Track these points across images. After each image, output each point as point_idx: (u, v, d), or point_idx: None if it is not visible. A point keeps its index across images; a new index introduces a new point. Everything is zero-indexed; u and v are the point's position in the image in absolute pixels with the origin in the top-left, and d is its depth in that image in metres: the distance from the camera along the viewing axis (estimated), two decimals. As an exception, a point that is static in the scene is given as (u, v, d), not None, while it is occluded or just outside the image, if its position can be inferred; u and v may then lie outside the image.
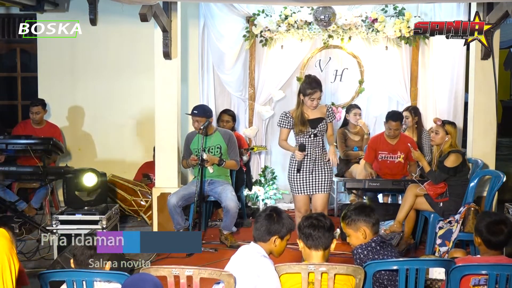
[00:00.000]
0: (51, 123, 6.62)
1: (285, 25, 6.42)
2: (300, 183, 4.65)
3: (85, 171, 5.01)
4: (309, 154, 4.63)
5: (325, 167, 4.68)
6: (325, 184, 4.66)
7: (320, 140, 4.67)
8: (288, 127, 4.69)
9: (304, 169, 4.64)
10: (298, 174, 4.64)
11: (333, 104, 6.65)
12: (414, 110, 6.22)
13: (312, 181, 4.64)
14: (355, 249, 3.18)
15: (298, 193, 4.67)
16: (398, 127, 5.66)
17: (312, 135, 4.62)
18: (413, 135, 6.12)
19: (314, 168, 4.64)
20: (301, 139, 4.65)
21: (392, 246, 3.42)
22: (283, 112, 4.82)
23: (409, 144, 5.46)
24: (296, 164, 4.63)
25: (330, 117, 4.73)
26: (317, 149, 4.65)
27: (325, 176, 4.66)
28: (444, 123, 5.02)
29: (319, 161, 4.66)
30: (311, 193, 4.66)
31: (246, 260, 2.99)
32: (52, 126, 6.57)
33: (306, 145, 4.62)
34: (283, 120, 4.71)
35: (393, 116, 5.68)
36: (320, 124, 4.64)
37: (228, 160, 5.46)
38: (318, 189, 4.65)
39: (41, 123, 6.45)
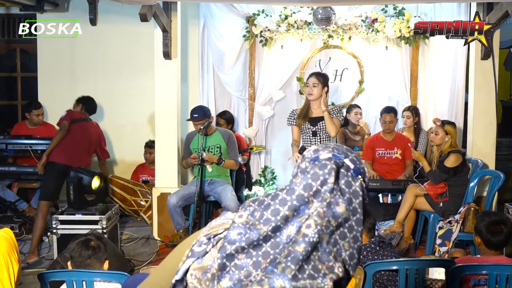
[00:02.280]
0: (46, 122, 6.62)
1: (285, 25, 6.42)
2: None
3: (92, 173, 4.99)
4: None
5: None
6: None
7: (321, 139, 4.60)
8: (294, 123, 4.69)
9: None
10: None
11: (333, 104, 6.65)
12: (415, 110, 6.26)
13: None
14: None
15: None
16: (392, 119, 5.79)
17: (311, 133, 4.58)
18: (411, 135, 6.15)
19: None
20: (303, 136, 4.63)
21: (392, 246, 3.42)
22: (292, 111, 4.87)
23: (409, 144, 5.51)
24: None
25: (333, 114, 4.64)
26: None
27: None
28: (444, 123, 5.02)
29: None
30: None
31: None
32: (48, 126, 6.56)
33: (306, 146, 4.58)
34: (289, 117, 4.74)
35: (386, 109, 5.90)
36: (321, 123, 4.56)
37: (228, 159, 5.46)
38: None
39: (38, 123, 6.45)
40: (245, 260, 1.14)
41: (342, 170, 1.22)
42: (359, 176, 1.23)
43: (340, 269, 1.15)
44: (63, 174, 5.06)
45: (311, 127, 4.58)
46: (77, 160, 5.18)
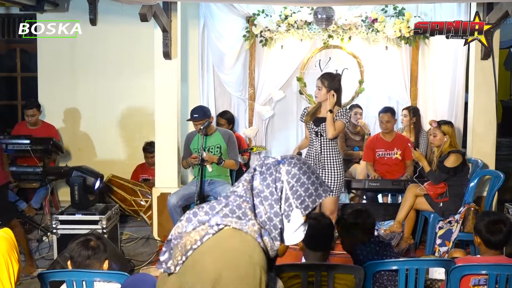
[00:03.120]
0: (47, 123, 6.62)
1: (285, 25, 6.42)
2: None
3: (96, 174, 4.99)
4: (314, 154, 4.57)
5: (333, 170, 4.58)
6: (333, 187, 4.57)
7: (325, 140, 4.57)
8: (303, 120, 4.71)
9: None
10: None
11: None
12: (413, 110, 6.26)
13: None
14: (354, 250, 3.18)
15: None
16: (389, 118, 5.82)
17: (313, 133, 4.58)
18: (410, 135, 6.15)
19: (319, 169, 4.56)
20: (310, 136, 4.63)
21: (391, 246, 3.42)
22: (304, 108, 4.92)
23: (409, 144, 5.51)
24: None
25: (338, 116, 4.56)
26: (320, 149, 4.56)
27: (333, 179, 4.57)
28: (440, 124, 5.00)
29: (323, 163, 4.57)
30: None
31: None
32: (48, 126, 6.56)
33: (313, 144, 4.58)
34: (301, 114, 4.79)
35: (383, 109, 5.97)
36: (323, 124, 4.56)
37: (228, 159, 5.46)
38: None
39: (37, 124, 6.44)
40: (203, 216, 1.67)
41: (269, 162, 1.75)
42: (280, 164, 1.73)
43: (258, 224, 1.66)
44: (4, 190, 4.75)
45: (314, 127, 4.58)
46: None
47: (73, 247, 2.85)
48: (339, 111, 4.58)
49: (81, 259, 2.80)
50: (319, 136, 4.56)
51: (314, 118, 4.61)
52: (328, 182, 4.56)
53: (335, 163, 4.58)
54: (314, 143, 4.58)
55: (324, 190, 1.75)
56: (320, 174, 4.54)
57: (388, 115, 5.82)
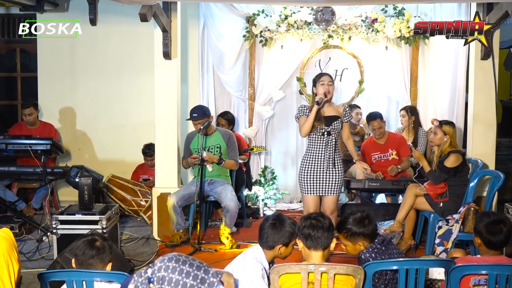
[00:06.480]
0: (45, 122, 6.61)
1: (285, 25, 6.43)
2: (309, 183, 4.60)
3: (98, 174, 5.01)
4: (322, 154, 4.57)
5: (337, 168, 4.59)
6: (335, 186, 4.58)
7: (333, 139, 4.58)
8: (307, 114, 4.61)
9: (316, 168, 4.58)
10: (308, 174, 4.60)
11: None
12: (411, 110, 6.26)
13: (323, 182, 4.57)
14: (362, 254, 3.18)
15: (307, 193, 4.62)
16: (380, 124, 5.82)
17: (325, 133, 4.56)
18: (409, 135, 6.15)
19: (326, 168, 4.56)
20: (313, 135, 4.59)
21: (393, 243, 3.42)
22: (300, 105, 4.87)
23: (410, 144, 5.51)
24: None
25: (346, 117, 4.62)
26: (329, 148, 4.55)
27: (335, 178, 4.58)
28: (442, 123, 5.00)
29: (331, 161, 4.57)
30: (321, 194, 4.62)
31: (242, 262, 3.03)
32: (47, 125, 6.55)
33: (318, 144, 4.58)
34: (300, 111, 4.65)
35: (371, 117, 5.91)
36: (335, 123, 4.54)
37: (228, 159, 5.46)
38: (328, 191, 4.59)
39: (35, 123, 6.44)
40: None
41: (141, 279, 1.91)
42: (150, 284, 1.87)
43: None
44: None
45: (326, 127, 4.55)
46: None
47: (78, 245, 2.84)
48: (345, 111, 4.62)
49: (85, 257, 2.79)
50: (326, 135, 4.55)
51: (323, 119, 4.57)
52: (330, 181, 4.58)
53: (337, 162, 4.61)
54: (318, 142, 4.58)
55: (213, 274, 1.87)
56: (333, 174, 4.58)
57: (378, 121, 5.81)
